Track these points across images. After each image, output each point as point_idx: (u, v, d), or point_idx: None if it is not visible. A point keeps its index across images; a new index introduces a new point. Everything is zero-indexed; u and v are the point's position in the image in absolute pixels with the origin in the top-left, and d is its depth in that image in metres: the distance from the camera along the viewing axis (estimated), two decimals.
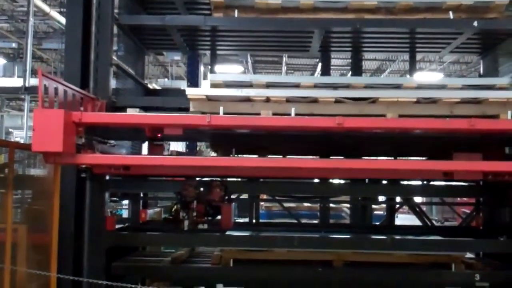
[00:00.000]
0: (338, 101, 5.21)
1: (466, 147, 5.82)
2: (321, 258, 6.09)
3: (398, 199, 8.25)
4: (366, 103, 5.19)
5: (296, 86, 6.01)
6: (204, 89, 5.31)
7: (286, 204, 10.51)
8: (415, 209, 8.10)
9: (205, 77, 10.95)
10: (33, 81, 16.38)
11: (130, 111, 5.36)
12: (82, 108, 5.17)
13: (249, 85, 5.98)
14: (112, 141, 6.12)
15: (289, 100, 5.17)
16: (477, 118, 4.98)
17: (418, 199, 9.33)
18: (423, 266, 6.10)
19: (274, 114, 5.12)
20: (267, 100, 5.19)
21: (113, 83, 6.19)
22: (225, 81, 5.98)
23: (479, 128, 4.75)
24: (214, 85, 6.07)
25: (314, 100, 5.21)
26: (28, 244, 5.22)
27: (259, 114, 5.12)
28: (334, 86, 6.00)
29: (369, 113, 5.17)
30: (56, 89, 4.63)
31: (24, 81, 14.88)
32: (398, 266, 6.06)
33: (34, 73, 21.30)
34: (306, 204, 14.16)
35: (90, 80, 5.84)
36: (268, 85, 5.96)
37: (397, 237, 6.31)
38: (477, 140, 5.57)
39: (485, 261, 6.66)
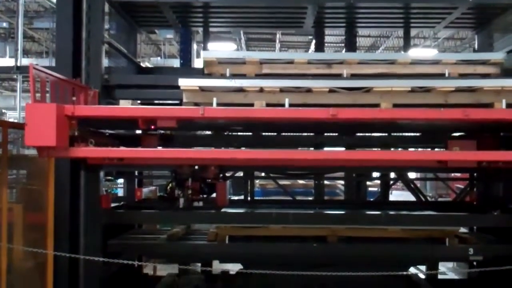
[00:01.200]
0: (332, 90, 5.19)
1: (461, 131, 5.84)
2: (316, 234, 6.12)
3: (392, 175, 8.28)
4: (360, 92, 5.17)
5: (290, 62, 6.00)
6: (197, 80, 5.26)
7: (281, 182, 10.54)
8: (409, 185, 8.13)
9: (198, 55, 10.92)
10: (25, 61, 16.27)
11: (123, 103, 5.33)
12: (74, 98, 5.14)
13: (242, 62, 5.97)
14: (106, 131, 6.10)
15: (282, 90, 5.14)
16: (471, 106, 4.97)
17: (412, 175, 9.36)
18: (417, 241, 6.14)
19: (267, 104, 5.08)
20: (261, 90, 5.16)
21: (105, 62, 6.15)
22: (218, 58, 5.95)
23: (473, 118, 4.74)
24: (207, 63, 6.05)
25: (308, 90, 5.18)
26: (24, 223, 5.22)
27: (252, 104, 5.09)
28: (328, 63, 5.99)
29: (363, 103, 5.15)
30: (47, 81, 4.60)
31: (16, 60, 14.78)
32: (392, 241, 6.09)
33: (25, 52, 21.17)
34: (300, 182, 14.20)
35: (82, 58, 5.81)
36: (262, 62, 5.94)
37: (391, 212, 6.36)
38: (472, 127, 5.57)
39: (478, 236, 6.71)
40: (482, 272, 6.57)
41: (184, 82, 5.19)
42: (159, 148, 5.82)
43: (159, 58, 21.79)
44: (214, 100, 5.01)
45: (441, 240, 6.02)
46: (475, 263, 6.77)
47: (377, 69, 6.09)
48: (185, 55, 9.76)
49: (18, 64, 14.70)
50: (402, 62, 6.07)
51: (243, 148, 6.33)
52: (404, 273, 6.51)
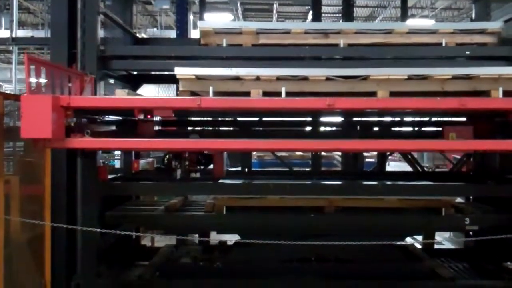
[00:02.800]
0: (329, 78, 5.17)
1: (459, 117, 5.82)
2: (313, 205, 6.13)
3: None
4: (357, 80, 5.15)
5: (287, 32, 5.97)
6: (194, 69, 5.25)
7: (278, 153, 10.55)
8: (406, 156, 8.14)
9: (194, 26, 10.85)
10: (20, 33, 16.17)
11: (119, 93, 5.31)
12: (70, 84, 5.12)
13: (239, 32, 5.93)
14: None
15: (279, 78, 5.12)
16: (468, 94, 4.99)
17: None
18: (414, 211, 6.17)
19: (264, 92, 5.08)
20: (257, 78, 5.14)
21: (101, 33, 6.11)
22: (215, 28, 5.92)
23: (470, 107, 4.73)
24: (203, 33, 6.01)
25: (305, 78, 5.16)
26: (22, 195, 5.23)
27: (249, 92, 5.08)
28: (325, 32, 5.97)
29: (360, 90, 5.15)
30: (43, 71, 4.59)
31: (11, 32, 14.72)
32: (389, 211, 6.11)
33: (21, 24, 21.00)
34: (298, 153, 14.22)
35: (78, 29, 5.77)
36: (258, 32, 5.91)
37: (388, 182, 6.37)
38: (469, 113, 5.57)
39: (475, 206, 6.75)
40: (478, 242, 6.65)
41: (180, 71, 5.17)
42: (156, 139, 5.83)
43: (155, 29, 21.64)
44: (211, 89, 5.00)
45: (438, 210, 6.04)
46: (471, 232, 6.81)
47: (374, 39, 6.08)
48: (182, 25, 9.72)
49: (14, 36, 14.65)
50: (399, 32, 6.05)
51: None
52: (401, 242, 6.60)
